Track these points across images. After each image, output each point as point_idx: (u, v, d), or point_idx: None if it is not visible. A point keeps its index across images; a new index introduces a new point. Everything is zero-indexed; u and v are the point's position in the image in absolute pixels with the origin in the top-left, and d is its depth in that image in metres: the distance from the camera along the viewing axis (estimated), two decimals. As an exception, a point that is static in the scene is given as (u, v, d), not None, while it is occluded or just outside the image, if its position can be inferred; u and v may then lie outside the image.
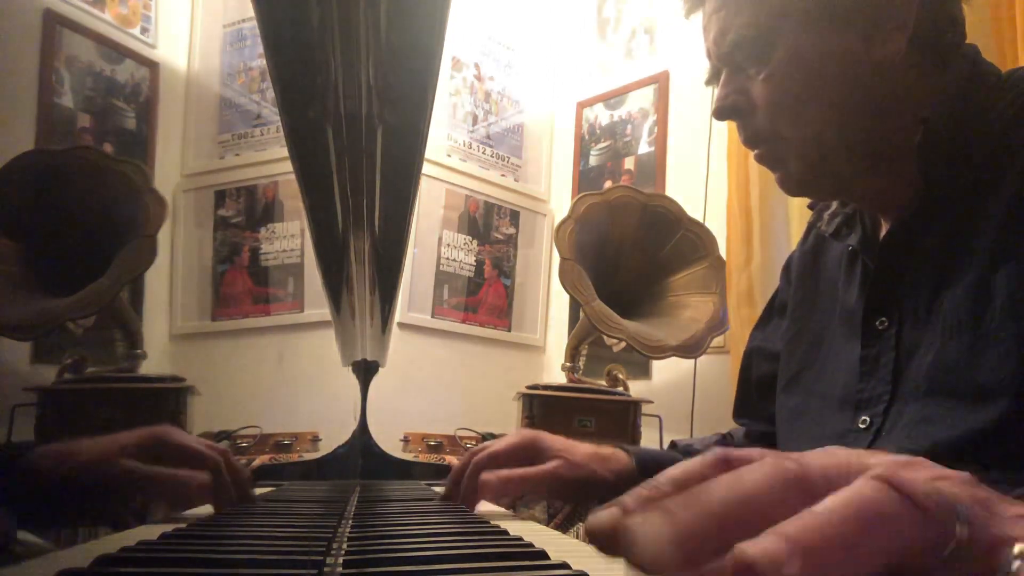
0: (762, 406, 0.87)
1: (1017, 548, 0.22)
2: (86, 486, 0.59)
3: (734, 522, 0.22)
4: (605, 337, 1.93)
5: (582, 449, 0.79)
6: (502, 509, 0.78)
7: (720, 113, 0.70)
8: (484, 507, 0.78)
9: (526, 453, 0.79)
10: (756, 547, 0.20)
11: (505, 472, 0.73)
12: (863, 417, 0.66)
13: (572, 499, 0.83)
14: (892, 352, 0.65)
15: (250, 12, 2.20)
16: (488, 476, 0.71)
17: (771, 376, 0.84)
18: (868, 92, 0.64)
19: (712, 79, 0.73)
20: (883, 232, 0.71)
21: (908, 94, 0.65)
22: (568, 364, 1.93)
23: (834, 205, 0.77)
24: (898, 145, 0.64)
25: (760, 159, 0.70)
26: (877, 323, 0.67)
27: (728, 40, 0.67)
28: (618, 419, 1.77)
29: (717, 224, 1.97)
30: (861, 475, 0.23)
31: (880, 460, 0.26)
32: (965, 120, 0.62)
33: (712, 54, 0.71)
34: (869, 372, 0.67)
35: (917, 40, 0.64)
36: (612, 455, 0.80)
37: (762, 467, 0.24)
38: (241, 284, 2.20)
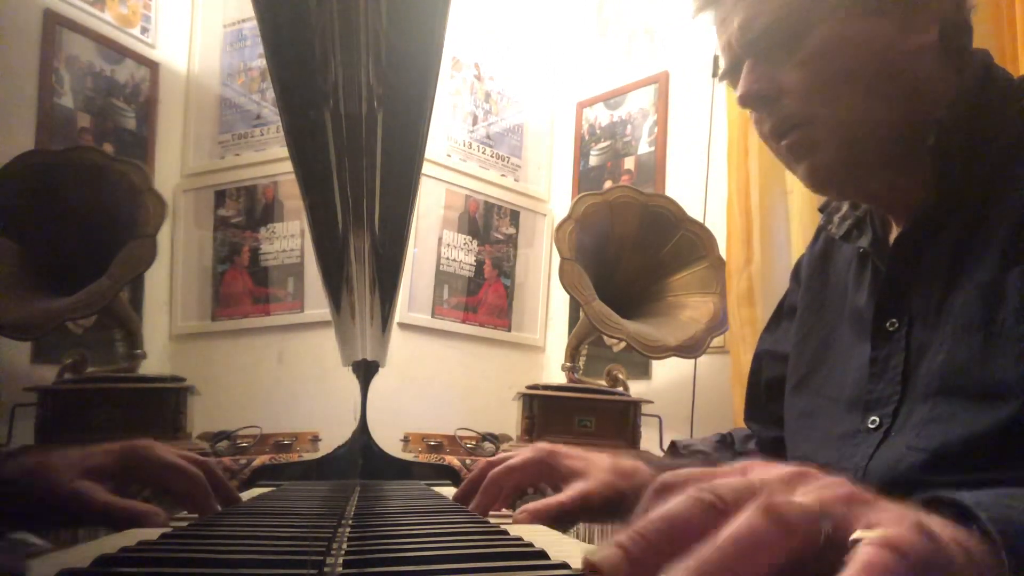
0: (772, 409, 0.87)
1: (854, 534, 0.27)
2: (52, 503, 0.57)
3: (667, 544, 0.29)
4: (605, 337, 1.93)
5: (602, 464, 0.76)
6: (502, 509, 0.78)
7: (746, 100, 0.69)
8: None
9: (542, 469, 0.77)
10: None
11: (535, 506, 0.70)
12: (872, 417, 0.66)
13: (598, 519, 0.80)
14: (902, 353, 0.65)
15: (250, 12, 2.20)
16: (520, 515, 0.68)
17: (781, 379, 0.84)
18: (900, 80, 0.64)
19: (728, 73, 0.72)
20: (893, 234, 0.71)
21: (931, 89, 0.65)
22: (568, 364, 1.93)
23: (844, 208, 0.77)
24: (915, 143, 0.64)
25: (788, 149, 0.69)
26: (887, 324, 0.67)
27: (758, 24, 0.66)
28: (618, 419, 1.77)
29: (717, 224, 1.97)
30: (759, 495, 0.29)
31: (774, 477, 0.32)
32: (978, 123, 0.63)
33: (734, 44, 0.69)
34: (879, 373, 0.67)
35: (942, 38, 0.64)
36: (635, 469, 0.77)
37: (683, 497, 0.31)
38: (241, 284, 2.20)
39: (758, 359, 0.91)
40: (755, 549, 0.27)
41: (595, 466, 0.75)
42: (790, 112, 0.67)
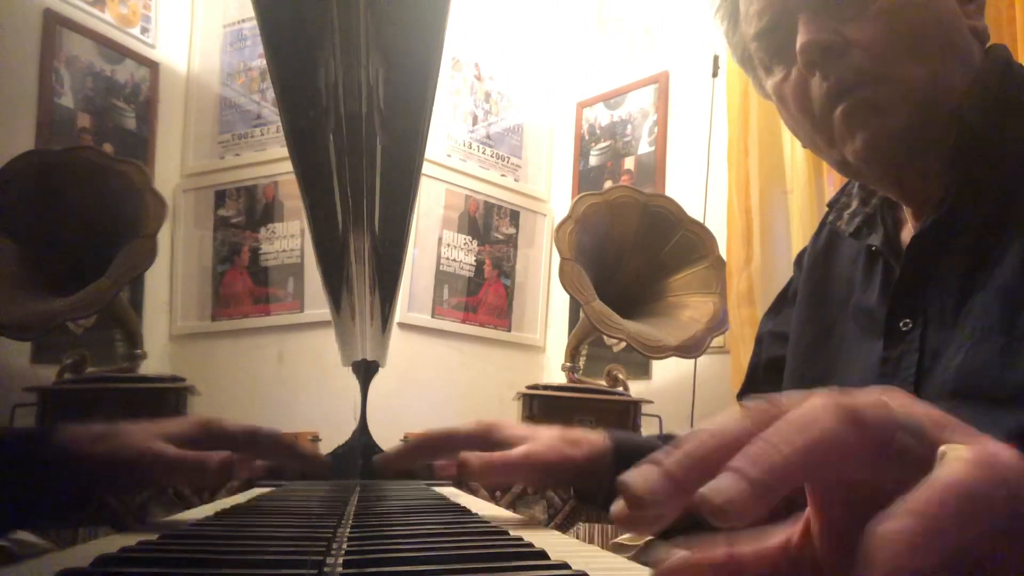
0: (766, 388, 0.87)
1: (942, 448, 0.23)
2: (120, 471, 0.58)
3: (715, 460, 0.23)
4: (605, 337, 1.93)
5: (548, 432, 0.75)
6: (505, 511, 0.78)
7: (812, 47, 0.62)
8: (485, 508, 0.78)
9: (484, 439, 0.74)
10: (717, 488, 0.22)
11: (484, 456, 0.69)
12: None
13: (545, 484, 0.79)
14: (915, 354, 0.64)
15: (250, 12, 2.21)
16: (470, 456, 0.67)
17: (780, 358, 0.84)
18: (960, 56, 0.63)
19: (766, 33, 0.68)
20: (905, 232, 0.71)
21: (968, 76, 0.63)
22: (568, 364, 1.93)
23: (854, 204, 0.76)
24: (939, 134, 0.63)
25: (850, 111, 0.63)
26: (901, 324, 0.66)
27: None
28: (618, 419, 1.77)
29: (717, 224, 1.97)
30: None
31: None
32: (999, 120, 0.62)
33: None
34: (890, 374, 0.66)
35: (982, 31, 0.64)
36: (582, 437, 0.76)
37: (813, 408, 0.24)
38: (241, 284, 2.20)
39: (759, 341, 0.90)
40: (821, 446, 0.23)
41: (540, 433, 0.74)
42: (860, 67, 0.61)
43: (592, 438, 0.76)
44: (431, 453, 0.74)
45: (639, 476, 0.23)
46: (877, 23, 0.61)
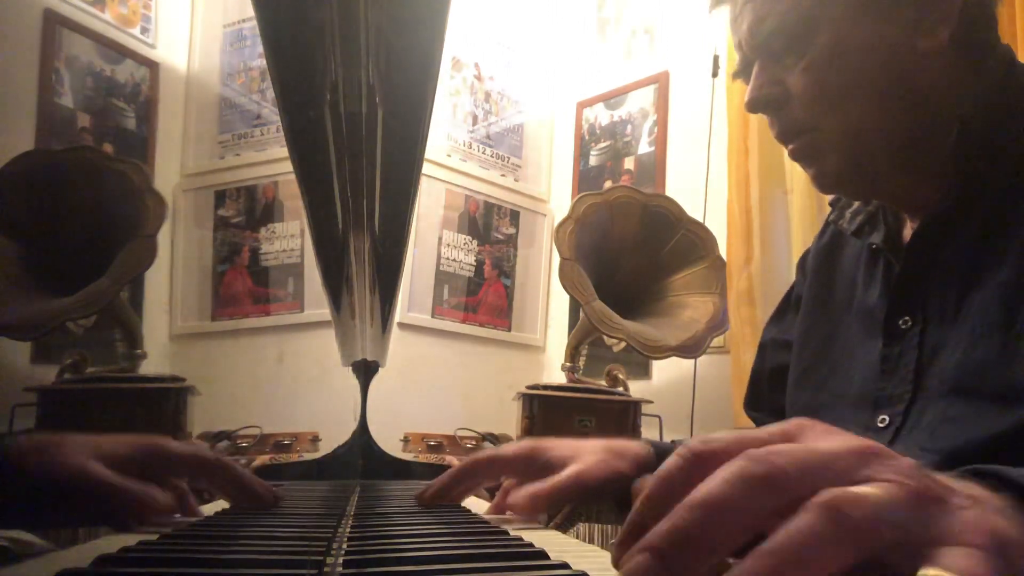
0: (772, 397, 0.86)
1: (929, 571, 0.25)
2: (60, 487, 0.53)
3: (708, 539, 0.25)
4: (605, 337, 1.93)
5: (592, 447, 0.73)
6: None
7: (753, 105, 0.68)
8: (485, 508, 0.77)
9: (529, 462, 0.72)
10: None
11: (528, 490, 0.66)
12: (882, 416, 0.65)
13: (595, 500, 0.77)
14: (915, 351, 0.64)
15: (250, 12, 2.21)
16: (516, 498, 0.64)
17: (786, 367, 0.84)
18: (910, 85, 0.63)
19: (740, 72, 0.71)
20: (907, 230, 0.71)
21: (946, 91, 0.64)
22: (568, 364, 1.93)
23: (856, 202, 0.77)
24: (932, 143, 0.64)
25: (795, 154, 0.69)
26: (900, 322, 0.66)
27: (766, 27, 0.65)
28: (618, 419, 1.77)
29: (717, 224, 1.97)
30: (829, 478, 0.26)
31: (839, 451, 0.28)
32: (1001, 120, 0.62)
33: (745, 44, 0.68)
34: (890, 371, 0.66)
35: (957, 36, 0.63)
36: (626, 447, 0.74)
37: (727, 471, 0.26)
38: (241, 284, 2.20)
39: (763, 348, 0.90)
40: (814, 558, 0.24)
41: (585, 449, 0.72)
42: (796, 118, 0.66)
43: (635, 448, 0.74)
44: (476, 480, 0.71)
45: (636, 569, 0.25)
46: (807, 76, 0.65)
